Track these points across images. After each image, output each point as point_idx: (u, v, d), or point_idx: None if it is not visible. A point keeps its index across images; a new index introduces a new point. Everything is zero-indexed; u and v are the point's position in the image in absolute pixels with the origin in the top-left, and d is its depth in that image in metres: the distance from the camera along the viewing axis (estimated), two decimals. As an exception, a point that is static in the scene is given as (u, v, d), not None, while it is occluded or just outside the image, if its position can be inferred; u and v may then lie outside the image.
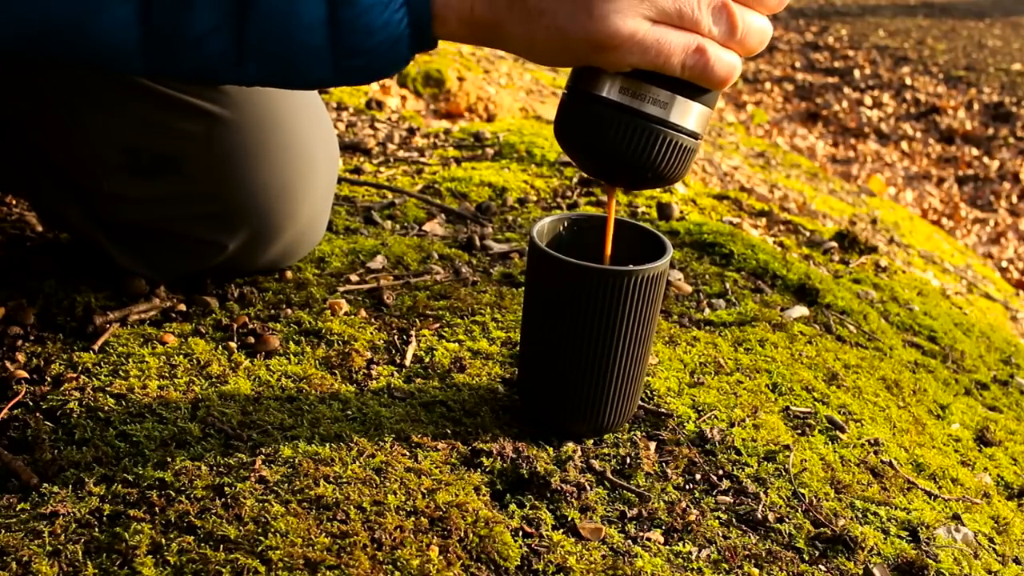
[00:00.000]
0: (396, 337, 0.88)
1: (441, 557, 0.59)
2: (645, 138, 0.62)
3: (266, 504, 0.62)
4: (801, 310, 1.09)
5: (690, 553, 0.64)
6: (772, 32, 0.64)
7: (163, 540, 0.59)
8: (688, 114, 0.63)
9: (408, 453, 0.70)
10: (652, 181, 0.65)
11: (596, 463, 0.72)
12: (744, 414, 0.81)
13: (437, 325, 0.91)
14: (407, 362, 0.84)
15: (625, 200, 1.42)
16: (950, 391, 1.04)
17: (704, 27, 0.60)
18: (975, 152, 3.95)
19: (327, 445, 0.69)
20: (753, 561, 0.64)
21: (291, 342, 0.86)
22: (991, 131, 4.19)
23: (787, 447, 0.77)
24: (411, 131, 1.77)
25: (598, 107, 0.63)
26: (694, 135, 0.64)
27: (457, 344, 0.88)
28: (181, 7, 0.60)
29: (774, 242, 1.37)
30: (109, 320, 0.86)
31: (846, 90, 4.91)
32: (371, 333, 0.88)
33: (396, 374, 0.82)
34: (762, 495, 0.71)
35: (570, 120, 0.65)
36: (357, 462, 0.67)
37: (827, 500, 0.72)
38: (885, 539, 0.69)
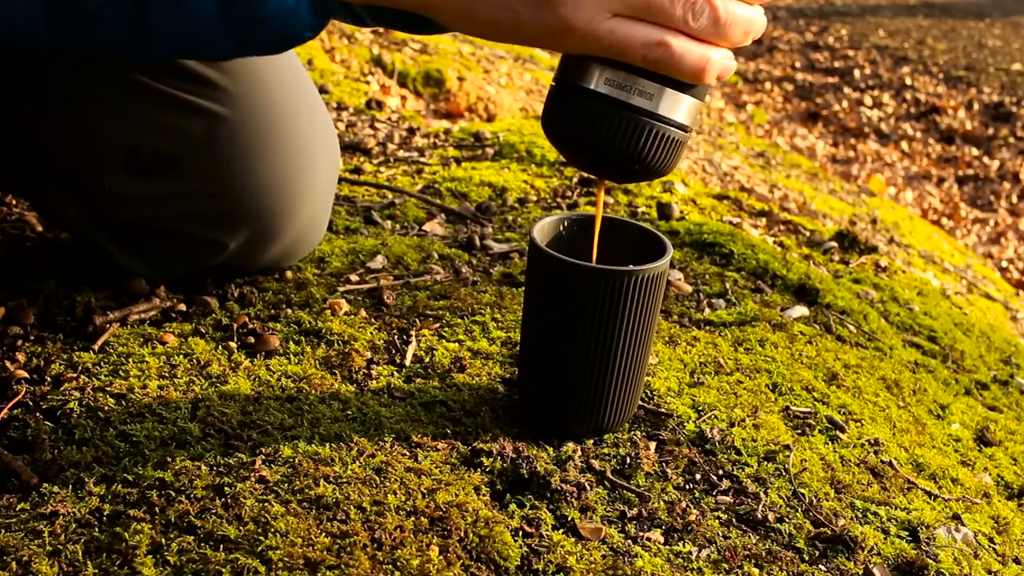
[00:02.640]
0: (396, 337, 0.88)
1: (441, 557, 0.59)
2: (631, 130, 0.62)
3: (266, 504, 0.62)
4: (801, 310, 1.09)
5: (690, 553, 0.64)
6: (763, 22, 0.62)
7: (163, 540, 0.59)
8: (676, 106, 0.62)
9: (408, 453, 0.70)
10: (640, 174, 0.65)
11: (596, 463, 0.72)
12: (744, 414, 0.81)
13: (437, 325, 0.91)
14: (407, 362, 0.84)
15: (625, 200, 1.42)
16: (950, 391, 1.04)
17: (676, 19, 0.58)
18: (975, 152, 3.95)
19: (327, 445, 0.69)
20: (753, 561, 0.64)
21: (291, 342, 0.86)
22: (991, 131, 4.19)
23: (787, 447, 0.77)
24: (411, 131, 1.77)
25: (584, 99, 0.62)
26: (683, 127, 0.63)
27: (457, 344, 0.88)
28: None
29: (774, 242, 1.37)
30: (109, 320, 0.86)
31: (846, 90, 4.91)
32: (371, 333, 0.88)
33: (396, 374, 0.82)
34: (762, 495, 0.71)
35: (557, 112, 0.65)
36: (357, 462, 0.67)
37: (827, 500, 0.72)
38: (885, 539, 0.69)
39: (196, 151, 0.86)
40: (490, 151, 1.63)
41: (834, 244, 1.41)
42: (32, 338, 0.85)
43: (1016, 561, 0.72)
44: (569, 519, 0.66)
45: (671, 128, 0.63)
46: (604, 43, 0.58)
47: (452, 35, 2.89)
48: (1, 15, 0.61)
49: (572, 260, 0.68)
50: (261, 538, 0.59)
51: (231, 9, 0.59)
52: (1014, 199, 3.48)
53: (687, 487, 0.71)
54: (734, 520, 0.69)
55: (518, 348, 0.82)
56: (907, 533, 0.70)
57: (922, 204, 3.37)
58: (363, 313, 0.92)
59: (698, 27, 0.59)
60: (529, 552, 0.62)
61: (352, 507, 0.62)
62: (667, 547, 0.65)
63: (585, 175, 1.49)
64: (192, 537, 0.59)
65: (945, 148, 4.03)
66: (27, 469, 0.66)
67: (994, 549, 0.73)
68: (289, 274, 1.00)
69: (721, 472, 0.73)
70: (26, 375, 0.79)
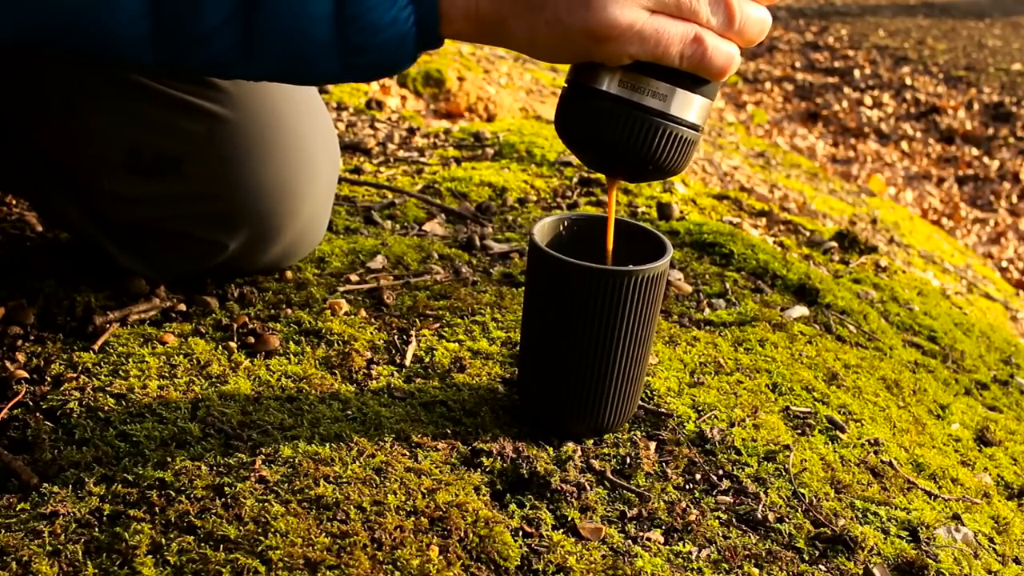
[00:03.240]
0: (396, 337, 0.88)
1: (441, 557, 0.59)
2: (645, 131, 0.62)
3: (266, 504, 0.62)
4: (801, 310, 1.09)
5: (690, 553, 0.64)
6: (771, 22, 0.64)
7: (163, 540, 0.59)
8: (688, 106, 0.63)
9: (408, 453, 0.70)
10: (653, 173, 0.66)
11: (596, 463, 0.72)
12: (744, 414, 0.81)
13: (437, 325, 0.91)
14: (407, 362, 0.84)
15: (625, 200, 1.42)
16: (950, 391, 1.04)
17: (702, 17, 0.60)
18: (975, 152, 3.95)
19: (327, 445, 0.69)
20: (753, 561, 0.64)
21: (291, 342, 0.86)
22: (991, 131, 4.19)
23: (787, 447, 0.77)
24: (411, 131, 1.77)
25: (598, 100, 0.63)
26: (694, 127, 0.64)
27: (457, 344, 0.88)
28: (191, 1, 0.61)
29: (774, 242, 1.37)
30: (109, 320, 0.86)
31: (846, 90, 4.91)
32: (371, 333, 0.88)
33: (396, 374, 0.82)
34: (762, 495, 0.71)
35: (570, 114, 0.66)
36: (357, 462, 0.67)
37: (827, 500, 0.72)
38: (885, 539, 0.69)
39: (197, 151, 0.86)
40: (490, 151, 1.63)
41: (834, 244, 1.41)
42: (32, 338, 0.85)
43: (1016, 561, 0.72)
44: (569, 519, 0.66)
45: (684, 128, 0.63)
46: (651, 42, 0.60)
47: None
48: (107, 33, 0.61)
49: (572, 260, 0.68)
50: (261, 538, 0.59)
51: (345, 36, 0.60)
52: (1014, 199, 3.48)
53: (687, 487, 0.71)
54: (734, 520, 0.69)
55: (518, 348, 0.82)
56: (907, 533, 0.70)
57: (922, 204, 3.37)
58: (363, 313, 0.92)
59: (717, 25, 0.61)
60: (529, 552, 0.62)
61: (352, 507, 0.62)
62: (667, 547, 0.65)
63: (586, 174, 1.49)
64: (192, 537, 0.59)
65: (945, 148, 4.03)
66: (27, 469, 0.66)
67: (994, 549, 0.73)
68: (289, 274, 1.00)
69: (721, 472, 0.73)
70: (26, 375, 0.79)
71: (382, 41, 0.61)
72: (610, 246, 0.74)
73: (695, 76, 0.62)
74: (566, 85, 0.66)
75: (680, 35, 0.60)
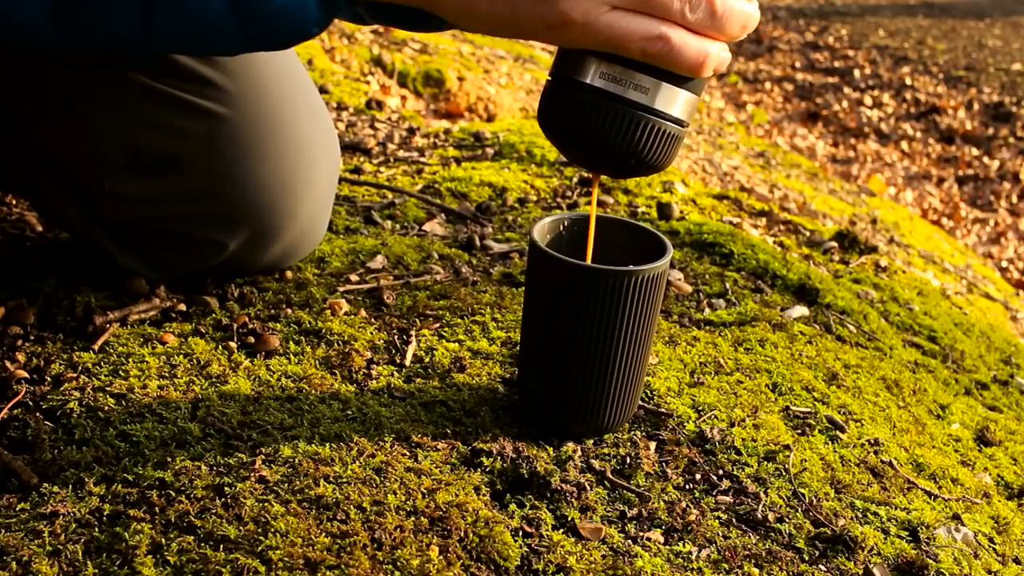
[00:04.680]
0: (396, 337, 0.88)
1: (441, 557, 0.59)
2: (627, 125, 0.61)
3: (266, 504, 0.62)
4: (801, 310, 1.09)
5: (690, 553, 0.64)
6: (758, 16, 0.62)
7: (163, 540, 0.59)
8: (672, 101, 0.62)
9: (408, 453, 0.70)
10: (636, 169, 0.64)
11: (596, 463, 0.72)
12: (744, 414, 0.81)
13: (437, 325, 0.91)
14: (407, 362, 0.84)
15: (625, 200, 1.42)
16: (950, 391, 1.04)
17: (674, 12, 0.58)
18: (975, 152, 3.95)
19: (327, 445, 0.69)
20: (753, 561, 0.64)
21: (291, 342, 0.86)
22: (991, 131, 4.19)
23: (787, 447, 0.77)
24: (411, 131, 1.77)
25: (580, 93, 0.62)
26: (679, 122, 0.63)
27: (457, 344, 0.88)
28: None
29: (774, 242, 1.37)
30: (109, 320, 0.86)
31: (846, 90, 4.91)
32: (371, 333, 0.88)
33: (396, 374, 0.82)
34: (762, 495, 0.71)
35: (552, 106, 0.64)
36: (357, 462, 0.67)
37: (827, 500, 0.72)
38: (885, 539, 0.69)
39: (196, 151, 0.86)
40: (490, 151, 1.63)
41: (834, 244, 1.41)
42: (32, 338, 0.85)
43: (1016, 561, 0.72)
44: (569, 519, 0.66)
45: (667, 123, 0.62)
46: (603, 36, 0.58)
47: (452, 35, 2.89)
48: (6, 12, 0.61)
49: (572, 260, 0.68)
50: (261, 538, 0.59)
51: (238, 4, 0.59)
52: (1014, 199, 3.48)
53: (687, 487, 0.71)
54: (734, 520, 0.69)
55: (518, 348, 0.82)
56: (907, 533, 0.70)
57: (922, 204, 3.37)
58: (363, 313, 0.92)
59: (695, 20, 0.59)
60: (529, 552, 0.62)
61: (352, 507, 0.62)
62: (667, 547, 0.65)
63: (587, 174, 1.49)
64: (192, 537, 0.59)
65: (945, 148, 4.03)
66: (27, 469, 0.66)
67: (994, 549, 0.73)
68: (289, 274, 1.00)
69: (721, 472, 0.73)
70: (26, 375, 0.79)
71: (279, 7, 0.59)
72: (591, 243, 0.74)
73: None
74: (549, 77, 0.65)
75: (641, 31, 0.58)
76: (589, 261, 0.73)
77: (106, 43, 0.64)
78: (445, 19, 0.63)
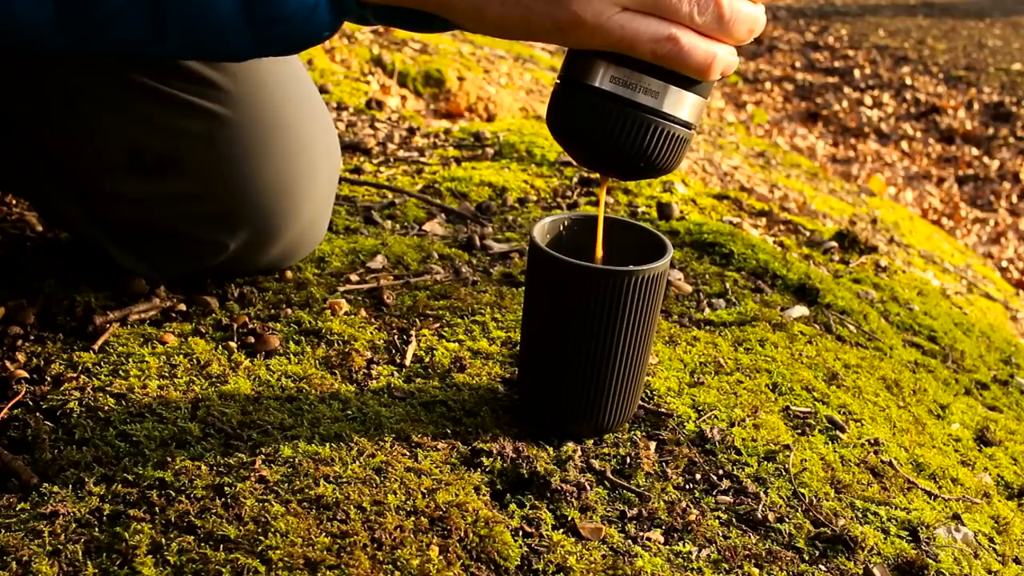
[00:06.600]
0: (396, 337, 0.88)
1: (441, 557, 0.59)
2: (636, 128, 0.62)
3: (266, 504, 0.62)
4: (801, 310, 1.09)
5: (690, 553, 0.64)
6: (764, 20, 0.62)
7: (163, 540, 0.59)
8: (681, 104, 0.63)
9: (408, 453, 0.70)
10: (644, 171, 0.65)
11: (596, 463, 0.72)
12: (744, 414, 0.81)
13: (437, 325, 0.91)
14: (407, 362, 0.84)
15: (625, 200, 1.42)
16: (950, 391, 1.04)
17: (683, 15, 0.59)
18: (975, 152, 3.95)
19: (327, 445, 0.69)
20: (753, 561, 0.64)
21: (291, 342, 0.86)
22: (991, 131, 4.19)
23: (787, 447, 0.77)
24: (411, 131, 1.77)
25: (590, 97, 0.62)
26: (687, 125, 0.63)
27: (457, 344, 0.88)
28: None
29: (774, 242, 1.37)
30: (109, 320, 0.86)
31: (846, 90, 4.91)
32: (371, 333, 0.88)
33: (396, 374, 0.82)
34: (762, 495, 0.71)
35: (561, 110, 0.65)
36: (357, 462, 0.67)
37: (827, 500, 0.72)
38: (885, 539, 0.69)
39: (197, 152, 0.86)
40: (490, 151, 1.63)
41: (834, 244, 1.41)
42: (32, 338, 0.85)
43: (1016, 561, 0.72)
44: (569, 519, 0.66)
45: (676, 126, 0.63)
46: (614, 37, 0.59)
47: (452, 35, 2.89)
48: (12, 18, 0.61)
49: (572, 260, 0.68)
50: (261, 538, 0.59)
51: (251, 8, 0.59)
52: (1014, 199, 3.48)
53: (687, 487, 0.71)
54: (734, 520, 0.69)
55: (518, 348, 0.82)
56: (907, 533, 0.70)
57: (922, 204, 3.37)
58: (363, 313, 0.92)
59: (704, 23, 0.59)
60: (529, 552, 0.62)
61: (352, 507, 0.62)
62: (667, 547, 0.65)
63: (586, 174, 1.49)
64: (192, 537, 0.59)
65: (945, 148, 4.03)
66: (27, 469, 0.66)
67: (994, 549, 0.73)
68: (289, 274, 1.00)
69: (721, 472, 0.73)
70: (26, 375, 0.79)
71: (291, 11, 0.59)
72: (600, 244, 0.74)
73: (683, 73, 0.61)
74: (558, 80, 0.65)
75: (651, 32, 0.59)
76: (599, 262, 0.73)
77: (114, 48, 0.64)
78: (454, 22, 0.63)
